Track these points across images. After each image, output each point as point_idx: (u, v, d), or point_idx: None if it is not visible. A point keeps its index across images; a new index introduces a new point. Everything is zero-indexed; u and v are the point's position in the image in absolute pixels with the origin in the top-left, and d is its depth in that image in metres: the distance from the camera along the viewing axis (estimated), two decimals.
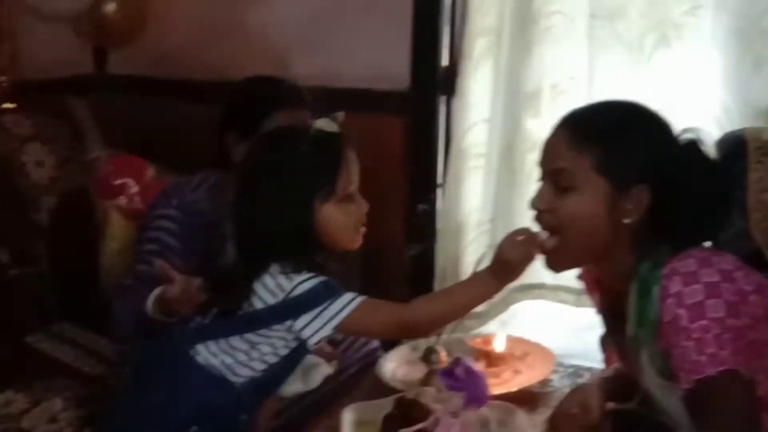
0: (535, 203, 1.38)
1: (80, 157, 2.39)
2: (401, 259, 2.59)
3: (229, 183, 1.53)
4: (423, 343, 1.83)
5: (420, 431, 1.39)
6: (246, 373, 1.44)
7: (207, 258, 1.59)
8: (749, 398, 1.23)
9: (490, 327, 2.36)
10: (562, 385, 1.80)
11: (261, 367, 1.44)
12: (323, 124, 1.51)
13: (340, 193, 1.45)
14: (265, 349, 1.43)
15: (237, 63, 2.53)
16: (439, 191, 2.53)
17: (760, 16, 2.02)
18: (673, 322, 1.24)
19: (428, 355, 1.77)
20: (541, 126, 2.38)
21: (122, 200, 2.12)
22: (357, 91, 2.53)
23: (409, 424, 1.46)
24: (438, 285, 2.55)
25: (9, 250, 2.14)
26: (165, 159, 2.35)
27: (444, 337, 1.79)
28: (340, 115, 1.55)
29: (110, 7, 2.65)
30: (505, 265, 1.41)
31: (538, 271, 2.32)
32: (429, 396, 1.61)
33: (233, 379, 1.43)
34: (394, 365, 1.86)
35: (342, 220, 1.45)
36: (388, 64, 2.49)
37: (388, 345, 2.06)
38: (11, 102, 2.43)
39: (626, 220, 1.32)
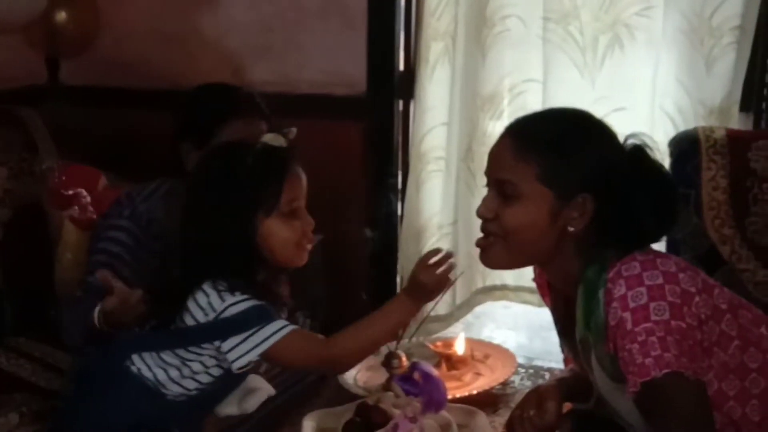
0: (480, 211, 1.39)
1: (33, 169, 2.35)
2: (363, 266, 2.59)
3: (183, 191, 1.52)
4: (384, 348, 1.82)
5: None
6: (178, 390, 1.44)
7: (160, 269, 1.57)
8: (698, 399, 1.24)
9: (455, 329, 2.38)
10: (523, 386, 1.81)
11: (193, 385, 1.45)
12: (270, 138, 1.50)
13: (283, 208, 1.43)
14: (196, 367, 1.43)
15: (192, 70, 2.52)
16: (399, 195, 2.54)
17: (711, 15, 2.06)
18: (618, 325, 1.25)
19: (389, 360, 1.76)
20: (500, 128, 2.41)
21: (75, 211, 2.08)
22: (314, 96, 2.53)
23: (370, 430, 1.46)
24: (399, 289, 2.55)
25: None
26: (120, 168, 2.32)
27: (404, 341, 1.79)
28: (292, 131, 1.54)
29: (61, 17, 2.61)
30: (421, 288, 1.42)
31: (500, 273, 2.37)
32: (389, 402, 1.61)
33: (166, 392, 1.43)
34: (356, 371, 1.85)
35: (285, 235, 1.43)
36: (344, 70, 2.49)
37: None
38: None
39: (571, 228, 1.34)
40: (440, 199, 2.49)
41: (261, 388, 1.56)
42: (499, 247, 1.37)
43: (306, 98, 2.52)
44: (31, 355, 2.08)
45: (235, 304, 1.38)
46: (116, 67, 2.68)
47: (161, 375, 1.42)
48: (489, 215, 1.37)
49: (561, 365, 1.84)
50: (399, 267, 2.56)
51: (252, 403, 1.53)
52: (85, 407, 1.46)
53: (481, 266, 2.41)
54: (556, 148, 1.34)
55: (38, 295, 2.25)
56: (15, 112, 2.43)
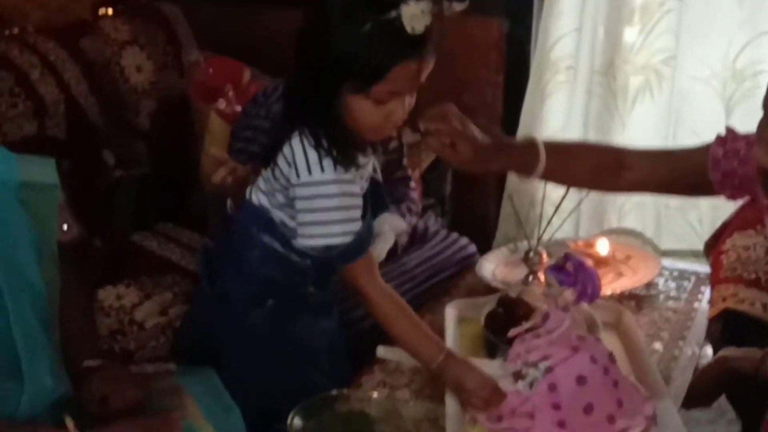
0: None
1: (176, 62, 2.41)
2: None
3: None
4: (524, 245, 1.82)
5: (529, 329, 1.38)
6: (302, 246, 1.36)
7: None
8: None
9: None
10: (667, 287, 1.77)
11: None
12: (414, 11, 1.18)
13: (375, 95, 1.24)
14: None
15: None
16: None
17: None
18: None
19: (528, 256, 1.75)
20: (648, 47, 2.30)
21: (221, 103, 2.14)
22: None
23: (512, 322, 1.46)
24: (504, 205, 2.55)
25: (113, 152, 2.19)
26: (257, 62, 2.35)
27: (545, 239, 1.77)
28: (454, 5, 1.25)
29: None
30: (459, 388, 1.30)
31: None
32: (532, 294, 1.61)
33: (291, 254, 1.37)
34: (494, 266, 1.85)
35: (366, 119, 1.27)
36: None
37: (485, 247, 2.07)
38: (108, 7, 2.44)
39: None
40: (564, 114, 2.42)
41: (386, 232, 1.51)
42: None
43: None
44: (179, 241, 2.18)
45: (318, 185, 1.28)
46: None
47: (283, 237, 1.37)
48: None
49: (707, 269, 1.81)
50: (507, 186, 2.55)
51: (379, 249, 1.48)
52: (217, 284, 1.45)
53: (614, 204, 2.44)
54: None
55: (184, 183, 2.35)
56: (158, 8, 2.50)
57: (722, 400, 1.59)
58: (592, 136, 2.43)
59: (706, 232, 2.24)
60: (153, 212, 2.38)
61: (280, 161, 1.32)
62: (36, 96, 2.04)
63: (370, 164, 1.39)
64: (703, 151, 1.41)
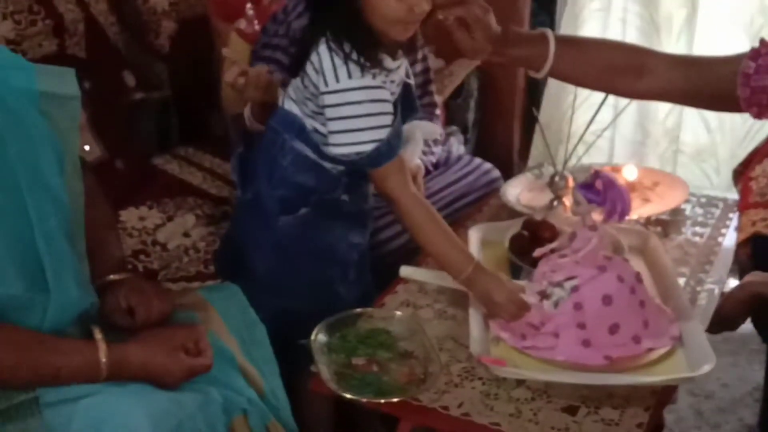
0: None
1: None
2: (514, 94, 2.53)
3: None
4: (549, 169, 1.79)
5: (554, 250, 1.37)
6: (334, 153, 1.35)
7: None
8: None
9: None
10: (694, 214, 1.75)
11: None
12: None
13: None
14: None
15: None
16: None
17: None
18: None
19: (554, 180, 1.73)
20: None
21: (241, 23, 2.10)
22: None
23: (537, 244, 1.45)
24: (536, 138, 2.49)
25: (134, 74, 2.16)
26: None
27: (571, 163, 1.74)
28: None
29: None
30: (488, 297, 1.29)
31: None
32: (558, 218, 1.59)
33: (323, 162, 1.36)
34: (518, 191, 1.83)
35: (387, 8, 1.25)
36: None
37: (507, 175, 2.05)
38: None
39: None
40: None
41: (417, 137, 1.47)
42: None
43: None
44: (201, 165, 2.17)
45: (346, 91, 1.27)
46: None
47: (316, 138, 1.36)
48: None
49: (735, 196, 1.78)
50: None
51: (409, 153, 1.44)
52: (249, 192, 1.45)
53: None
54: None
55: (204, 106, 2.33)
56: None
57: (746, 329, 1.58)
58: None
59: (723, 183, 2.20)
60: (174, 135, 2.37)
61: (309, 69, 1.31)
62: (55, 14, 2.00)
63: (402, 68, 1.37)
64: (735, 62, 1.33)
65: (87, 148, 1.92)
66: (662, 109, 2.46)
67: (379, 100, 1.29)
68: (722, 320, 1.39)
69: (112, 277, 1.23)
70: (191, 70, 2.33)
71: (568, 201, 1.59)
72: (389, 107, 1.31)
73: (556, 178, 1.67)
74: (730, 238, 1.67)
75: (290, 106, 1.39)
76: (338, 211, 1.42)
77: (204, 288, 1.45)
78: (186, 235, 1.88)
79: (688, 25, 2.32)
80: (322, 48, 1.29)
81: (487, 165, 2.04)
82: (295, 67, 1.36)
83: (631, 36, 2.35)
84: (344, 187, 1.40)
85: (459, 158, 2.04)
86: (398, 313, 1.37)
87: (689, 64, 1.44)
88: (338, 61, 1.28)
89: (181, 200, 1.97)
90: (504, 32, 1.37)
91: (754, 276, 1.43)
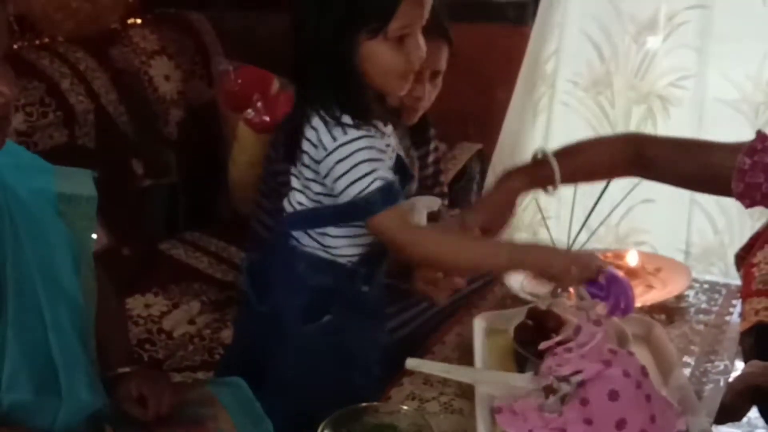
0: None
1: (204, 72, 2.43)
2: None
3: None
4: None
5: (560, 343, 1.37)
6: (346, 246, 1.36)
7: None
8: None
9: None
10: (698, 300, 1.76)
11: (347, 242, 1.36)
12: None
13: (392, 33, 1.23)
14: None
15: None
16: None
17: None
18: None
19: None
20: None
21: (250, 113, 2.15)
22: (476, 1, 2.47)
23: (542, 334, 1.45)
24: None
25: (142, 161, 2.21)
26: (286, 71, 2.36)
27: (574, 248, 1.76)
28: None
29: None
30: (537, 261, 1.28)
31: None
32: (562, 307, 1.60)
33: (339, 257, 1.36)
34: (522, 277, 1.84)
35: (387, 64, 1.25)
36: None
37: None
38: (137, 17, 2.47)
39: None
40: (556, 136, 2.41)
41: (419, 209, 1.45)
42: None
43: (467, 3, 2.47)
44: (207, 249, 2.20)
45: (346, 144, 1.25)
46: None
47: (323, 240, 1.36)
48: None
49: (738, 281, 1.79)
50: None
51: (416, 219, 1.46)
52: (265, 301, 1.42)
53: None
54: None
55: (212, 191, 2.37)
56: (185, 17, 2.53)
57: (754, 415, 1.58)
58: None
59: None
60: (182, 220, 2.41)
61: (306, 147, 1.30)
62: (66, 105, 2.06)
63: (392, 138, 1.37)
64: (732, 154, 1.37)
65: (94, 236, 1.94)
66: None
67: (378, 148, 1.28)
68: (727, 412, 1.39)
69: (120, 370, 1.24)
70: (199, 155, 2.38)
71: (572, 288, 1.61)
72: (389, 156, 1.31)
73: None
74: (734, 326, 1.67)
75: (293, 201, 1.37)
76: (362, 307, 1.41)
77: (211, 382, 1.45)
78: (191, 322, 1.89)
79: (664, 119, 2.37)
80: (315, 121, 1.27)
81: None
82: (289, 156, 1.34)
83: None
84: (363, 278, 1.39)
85: None
86: (404, 407, 1.36)
87: (688, 148, 1.47)
88: (333, 127, 1.26)
89: (186, 286, 2.00)
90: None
91: (753, 366, 1.43)
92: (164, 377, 1.28)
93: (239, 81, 2.19)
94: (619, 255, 1.85)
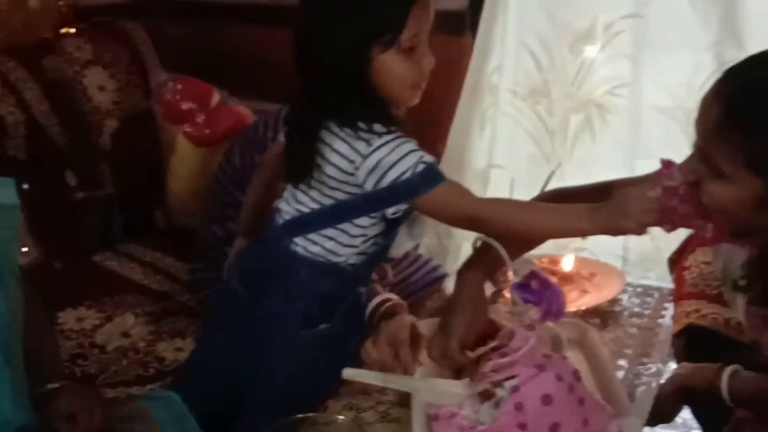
0: (683, 171, 1.20)
1: (140, 82, 2.40)
2: None
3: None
4: None
5: (494, 348, 1.38)
6: (349, 251, 1.36)
7: None
8: None
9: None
10: (631, 304, 1.79)
11: (360, 243, 1.36)
12: None
13: (404, 44, 1.26)
14: (354, 230, 1.34)
15: None
16: None
17: None
18: None
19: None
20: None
21: (189, 127, 2.12)
22: None
23: (479, 340, 1.46)
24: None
25: (75, 173, 2.16)
26: (221, 83, 2.35)
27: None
28: None
29: None
30: (619, 216, 1.20)
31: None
32: (498, 312, 1.61)
33: (339, 261, 1.35)
34: None
35: (402, 74, 1.27)
36: None
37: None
38: (71, 26, 2.43)
39: None
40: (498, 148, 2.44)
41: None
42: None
43: None
44: (142, 260, 2.16)
45: (385, 144, 1.25)
46: None
47: (328, 244, 1.35)
48: (690, 178, 1.18)
49: (671, 284, 1.82)
50: None
51: (418, 230, 1.47)
52: (263, 305, 1.39)
53: None
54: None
55: (146, 202, 2.33)
56: (121, 26, 2.48)
57: (689, 416, 1.61)
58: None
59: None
60: (118, 232, 2.36)
61: (334, 159, 1.28)
62: None
63: None
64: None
65: (24, 250, 1.90)
66: None
67: (413, 142, 1.28)
68: (656, 413, 1.41)
69: (50, 386, 1.20)
70: (135, 166, 2.34)
71: (509, 294, 1.62)
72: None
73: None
74: (666, 328, 1.70)
75: (302, 208, 1.35)
76: (357, 312, 1.41)
77: (144, 397, 1.42)
78: (125, 335, 1.85)
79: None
80: (344, 132, 1.27)
81: (434, 262, 2.06)
82: (301, 170, 1.32)
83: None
84: (362, 280, 1.40)
85: (405, 256, 2.06)
86: (341, 417, 1.35)
87: (601, 189, 1.41)
88: (365, 132, 1.26)
89: (120, 298, 1.96)
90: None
91: (682, 368, 1.46)
92: (95, 393, 1.26)
93: (177, 94, 2.16)
94: (554, 260, 1.87)
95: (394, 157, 1.26)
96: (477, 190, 2.51)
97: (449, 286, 1.82)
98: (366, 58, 1.25)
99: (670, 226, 1.29)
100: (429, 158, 1.28)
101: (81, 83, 2.28)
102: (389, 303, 1.46)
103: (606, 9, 2.31)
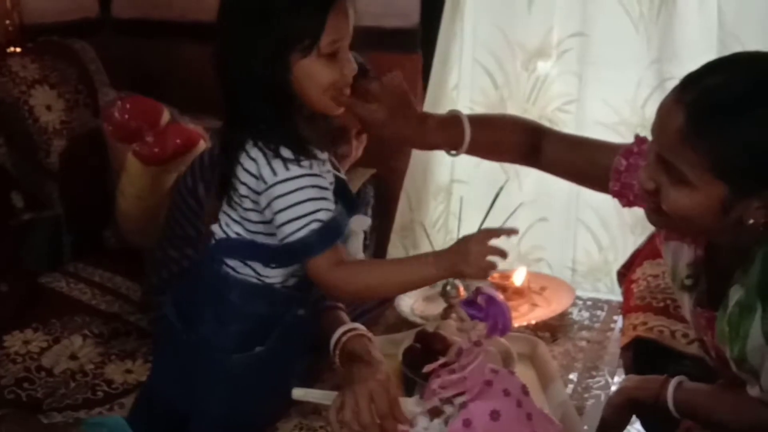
0: (641, 180, 1.21)
1: (89, 101, 2.37)
2: None
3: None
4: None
5: (444, 365, 1.38)
6: (279, 272, 1.34)
7: None
8: None
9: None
10: (581, 317, 1.81)
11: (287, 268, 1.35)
12: None
13: (324, 49, 1.24)
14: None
15: None
16: None
17: None
18: None
19: (446, 290, 1.76)
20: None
21: (138, 145, 2.10)
22: (366, 29, 2.50)
23: (430, 356, 1.46)
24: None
25: (22, 194, 2.13)
26: (172, 101, 2.33)
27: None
28: None
29: None
30: (459, 262, 1.25)
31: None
32: (449, 328, 1.61)
33: (273, 282, 1.34)
34: (412, 301, 1.86)
35: (323, 80, 1.26)
36: (397, 1, 2.45)
37: None
38: (17, 46, 2.39)
39: (750, 221, 1.13)
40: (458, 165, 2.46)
41: (357, 231, 1.45)
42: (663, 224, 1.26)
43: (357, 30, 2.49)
44: (90, 280, 2.12)
45: (289, 181, 1.24)
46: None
47: (257, 266, 1.34)
48: (649, 186, 1.19)
49: (620, 297, 1.84)
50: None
51: (353, 249, 1.45)
52: (197, 331, 1.36)
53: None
54: (734, 135, 1.09)
55: (96, 222, 2.30)
56: (69, 45, 2.45)
57: (639, 427, 1.63)
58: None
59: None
60: (67, 253, 2.32)
61: (245, 179, 1.28)
62: None
63: (327, 162, 1.35)
64: (613, 154, 1.41)
65: None
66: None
67: (320, 186, 1.27)
68: (607, 426, 1.43)
69: None
70: (84, 186, 2.31)
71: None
72: (330, 194, 1.29)
73: (448, 287, 1.71)
74: (615, 341, 1.72)
75: (229, 231, 1.34)
76: (299, 331, 1.39)
77: (88, 421, 1.40)
78: (73, 357, 1.82)
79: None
80: (254, 152, 1.26)
81: None
82: (223, 190, 1.32)
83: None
84: (298, 301, 1.37)
85: None
86: None
87: (578, 144, 1.51)
88: (273, 159, 1.25)
89: (68, 320, 1.93)
90: (422, 117, 1.40)
91: (629, 380, 1.47)
92: (34, 419, 1.23)
93: (127, 112, 2.13)
94: (505, 276, 1.89)
95: (286, 203, 1.25)
96: (440, 205, 2.55)
97: (400, 301, 1.83)
98: (285, 66, 1.24)
99: (625, 201, 1.33)
100: (320, 219, 1.25)
101: (27, 103, 2.25)
102: (352, 333, 1.44)
103: (556, 27, 2.34)
